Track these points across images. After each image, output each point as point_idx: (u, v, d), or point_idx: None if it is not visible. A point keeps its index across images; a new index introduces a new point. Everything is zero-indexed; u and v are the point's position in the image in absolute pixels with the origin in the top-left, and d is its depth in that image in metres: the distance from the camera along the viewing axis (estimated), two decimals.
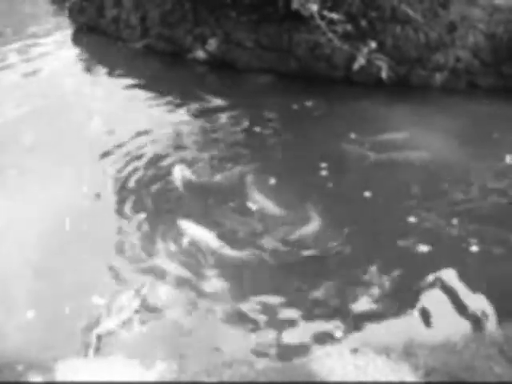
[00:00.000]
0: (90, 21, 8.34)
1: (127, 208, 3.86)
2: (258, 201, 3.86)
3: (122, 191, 4.09)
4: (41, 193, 4.06)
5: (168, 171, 4.28)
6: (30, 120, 5.35)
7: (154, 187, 4.12)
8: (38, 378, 2.43)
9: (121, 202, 3.95)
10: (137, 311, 2.99)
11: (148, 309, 3.02)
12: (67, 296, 3.09)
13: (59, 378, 2.44)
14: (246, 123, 5.12)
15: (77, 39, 8.25)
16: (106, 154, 4.60)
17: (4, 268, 3.34)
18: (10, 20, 9.58)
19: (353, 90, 5.74)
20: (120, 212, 3.84)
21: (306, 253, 3.37)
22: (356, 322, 2.89)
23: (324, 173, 4.24)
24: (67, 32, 8.48)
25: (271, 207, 3.79)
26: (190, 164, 4.37)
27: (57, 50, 7.85)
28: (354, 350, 2.53)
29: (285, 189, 4.04)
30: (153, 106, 5.70)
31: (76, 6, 8.53)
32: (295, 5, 5.18)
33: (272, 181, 4.15)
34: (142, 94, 6.01)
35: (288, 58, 6.07)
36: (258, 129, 5.03)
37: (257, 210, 3.79)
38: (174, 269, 3.26)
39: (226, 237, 3.51)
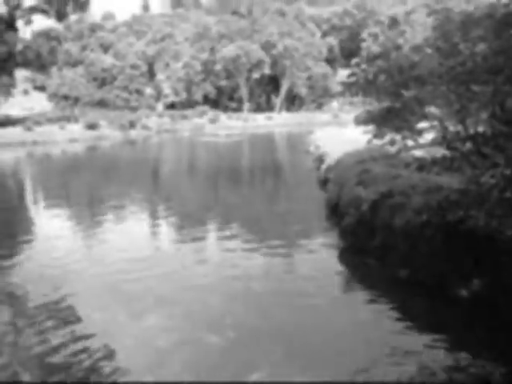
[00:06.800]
0: (358, 242, 9.51)
1: None
2: None
3: None
4: None
5: None
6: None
7: None
8: None
9: None
10: None
11: None
12: None
13: None
14: None
15: (342, 257, 9.42)
16: None
17: None
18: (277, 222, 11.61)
19: None
20: None
21: None
22: None
23: None
24: (334, 249, 9.79)
25: None
26: None
27: (321, 264, 9.09)
28: None
29: None
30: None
31: (349, 227, 9.90)
32: None
33: None
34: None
35: None
36: None
37: None
38: None
39: None
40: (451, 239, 7.22)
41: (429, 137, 7.67)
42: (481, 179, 7.05)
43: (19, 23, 46.08)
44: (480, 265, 6.81)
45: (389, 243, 8.65)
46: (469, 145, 7.19)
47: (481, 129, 7.19)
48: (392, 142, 7.65)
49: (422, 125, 7.57)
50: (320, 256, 9.57)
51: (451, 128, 7.44)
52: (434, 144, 7.66)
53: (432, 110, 7.61)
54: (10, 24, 44.81)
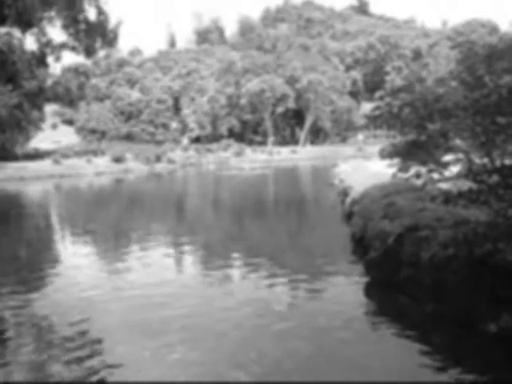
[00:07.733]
0: (384, 275, 9.41)
1: None
2: None
3: None
4: None
5: None
6: None
7: None
8: None
9: None
10: None
11: None
12: None
13: None
14: None
15: (367, 290, 9.33)
16: None
17: None
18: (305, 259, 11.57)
19: None
20: None
21: None
22: None
23: None
24: (359, 283, 9.71)
25: None
26: None
27: (347, 297, 9.01)
28: None
29: None
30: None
31: (374, 261, 9.82)
32: None
33: None
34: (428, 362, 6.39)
35: None
36: None
37: None
38: None
39: None
40: (479, 273, 7.12)
41: (454, 169, 7.66)
42: (508, 212, 7.00)
43: (49, 59, 47.68)
44: (509, 299, 6.69)
45: (415, 277, 8.55)
46: (495, 177, 7.16)
47: (507, 161, 7.17)
48: (417, 175, 7.65)
49: (448, 157, 7.57)
50: (345, 289, 9.48)
51: (477, 160, 7.42)
52: (460, 177, 7.64)
53: (457, 142, 7.62)
54: (41, 60, 46.36)
